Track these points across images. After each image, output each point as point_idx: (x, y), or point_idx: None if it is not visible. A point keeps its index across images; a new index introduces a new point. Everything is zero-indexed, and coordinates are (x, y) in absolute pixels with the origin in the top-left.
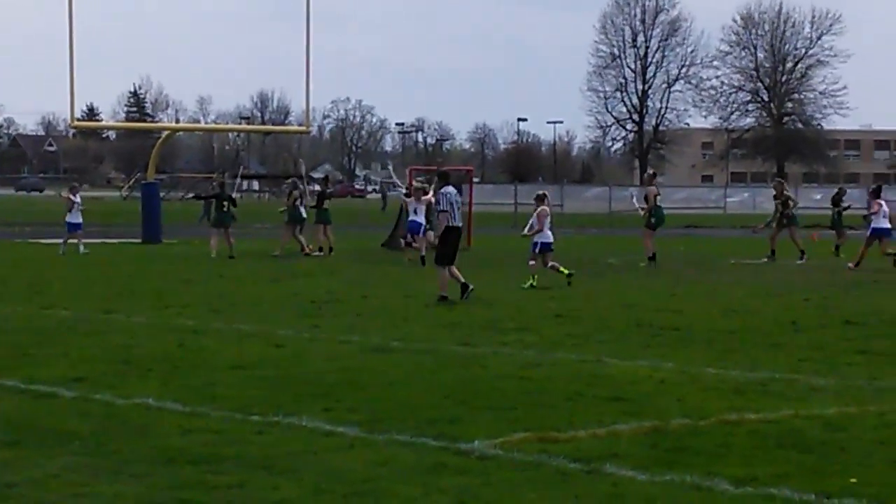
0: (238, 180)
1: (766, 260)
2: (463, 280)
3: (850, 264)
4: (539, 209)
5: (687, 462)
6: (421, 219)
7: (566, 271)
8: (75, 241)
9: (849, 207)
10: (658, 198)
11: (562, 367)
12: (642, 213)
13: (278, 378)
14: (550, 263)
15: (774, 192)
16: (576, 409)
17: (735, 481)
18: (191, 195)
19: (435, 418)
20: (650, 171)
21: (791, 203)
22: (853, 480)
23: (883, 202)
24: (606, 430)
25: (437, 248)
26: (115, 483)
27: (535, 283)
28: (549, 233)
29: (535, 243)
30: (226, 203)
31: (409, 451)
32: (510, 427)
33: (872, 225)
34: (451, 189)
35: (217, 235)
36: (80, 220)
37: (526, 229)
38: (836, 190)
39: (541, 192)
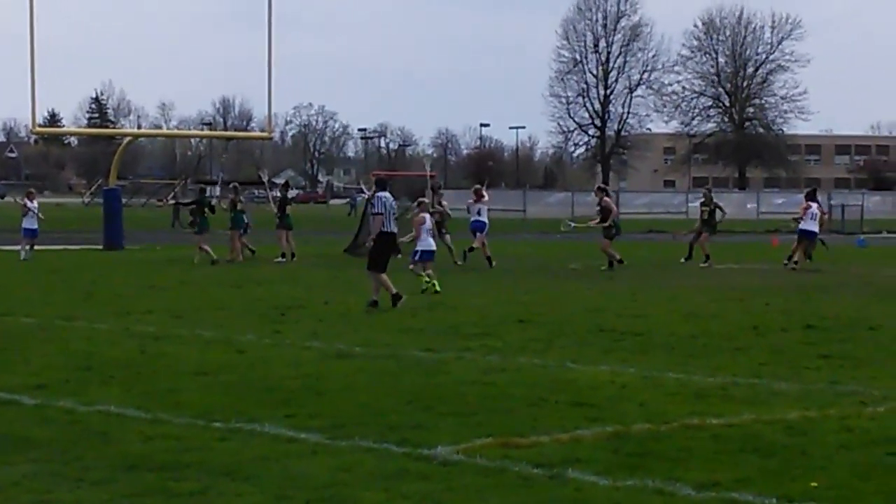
0: (216, 188)
1: (704, 265)
2: (394, 290)
3: (788, 263)
4: (417, 216)
5: (649, 467)
6: (484, 219)
7: (436, 286)
8: (28, 246)
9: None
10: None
11: (525, 372)
12: (573, 226)
13: (241, 384)
14: (428, 272)
15: (703, 199)
16: (538, 414)
17: (697, 486)
18: (173, 201)
19: (398, 424)
20: (600, 184)
21: (719, 212)
22: (814, 484)
23: (813, 205)
24: (569, 436)
25: (370, 253)
26: (76, 490)
27: (432, 285)
28: (431, 241)
29: (416, 251)
30: (206, 210)
31: (371, 457)
32: (473, 432)
33: (800, 227)
34: (387, 194)
35: (205, 241)
36: (35, 225)
37: (406, 237)
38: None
39: (422, 199)
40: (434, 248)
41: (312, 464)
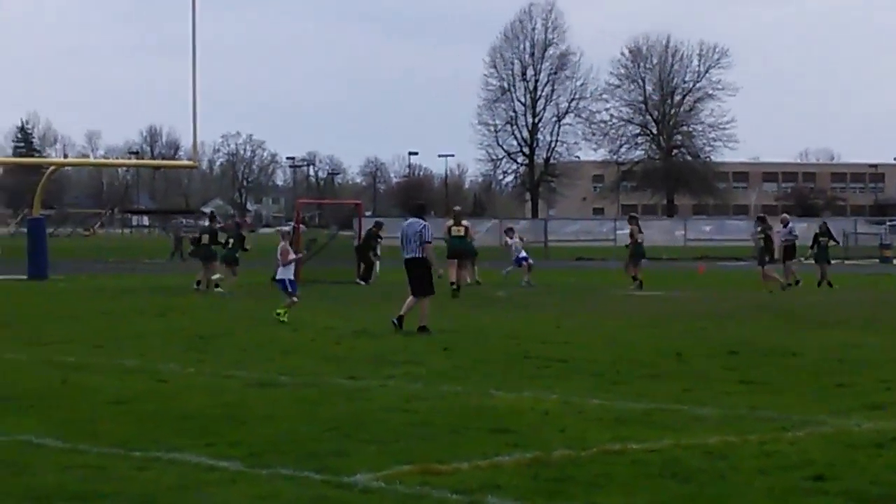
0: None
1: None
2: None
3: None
4: (280, 245)
5: (568, 492)
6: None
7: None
8: None
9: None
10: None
11: (447, 399)
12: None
13: (161, 413)
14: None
15: (759, 227)
16: (459, 441)
17: None
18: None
19: (318, 452)
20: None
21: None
22: None
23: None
24: (489, 462)
25: None
26: None
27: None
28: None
29: (281, 280)
30: (211, 238)
31: (291, 485)
32: (393, 460)
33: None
34: (412, 221)
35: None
36: None
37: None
38: (819, 224)
39: (285, 229)
40: (292, 276)
41: (231, 492)
